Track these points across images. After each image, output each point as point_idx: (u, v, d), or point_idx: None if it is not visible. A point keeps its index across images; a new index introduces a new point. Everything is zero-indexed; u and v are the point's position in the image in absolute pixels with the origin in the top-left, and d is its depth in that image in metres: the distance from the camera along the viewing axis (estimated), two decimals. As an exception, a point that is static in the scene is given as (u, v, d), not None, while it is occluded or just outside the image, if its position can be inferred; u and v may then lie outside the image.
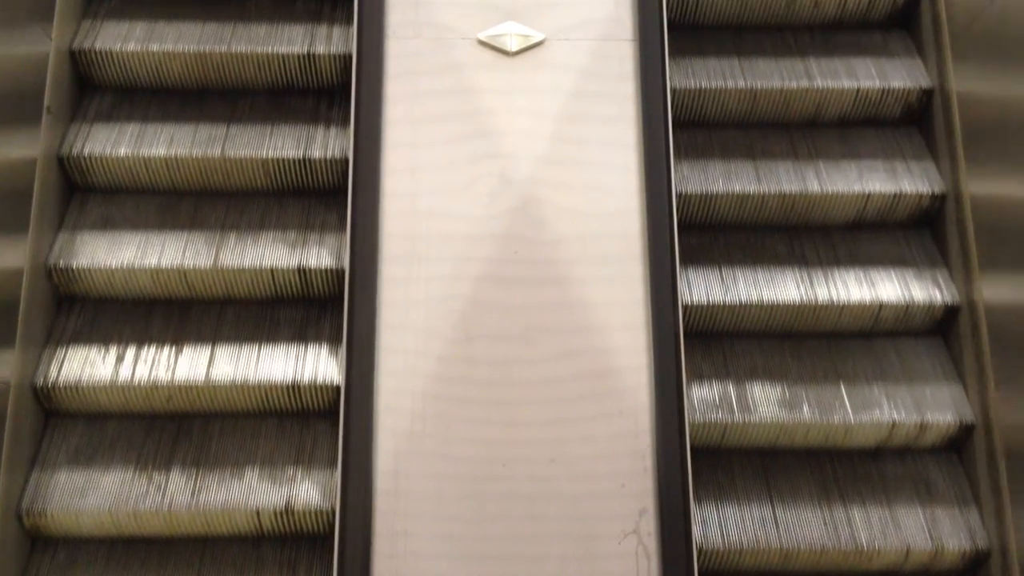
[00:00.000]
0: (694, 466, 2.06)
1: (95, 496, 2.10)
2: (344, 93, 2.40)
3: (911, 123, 2.54)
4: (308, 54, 2.43)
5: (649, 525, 1.97)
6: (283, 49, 2.43)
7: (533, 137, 2.21)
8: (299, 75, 2.47)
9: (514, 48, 2.27)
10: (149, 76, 2.47)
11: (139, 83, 2.48)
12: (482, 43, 2.28)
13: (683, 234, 2.35)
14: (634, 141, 2.22)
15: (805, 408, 2.22)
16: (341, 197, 2.32)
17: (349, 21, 2.44)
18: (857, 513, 2.17)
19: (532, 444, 2.02)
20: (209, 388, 2.19)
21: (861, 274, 2.35)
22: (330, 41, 2.45)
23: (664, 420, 2.02)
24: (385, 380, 2.03)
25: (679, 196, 2.36)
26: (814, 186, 2.39)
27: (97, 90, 2.47)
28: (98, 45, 2.41)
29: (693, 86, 2.47)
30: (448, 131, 2.22)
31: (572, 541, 1.97)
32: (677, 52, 2.51)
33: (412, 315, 2.08)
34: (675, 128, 2.31)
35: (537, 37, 2.28)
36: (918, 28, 2.56)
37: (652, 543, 1.96)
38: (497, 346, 2.08)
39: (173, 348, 2.23)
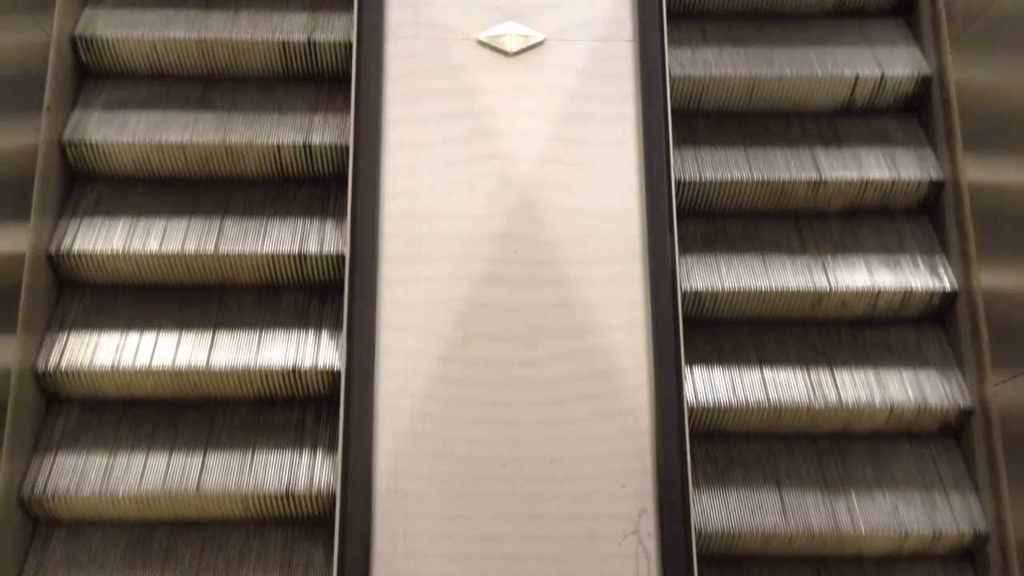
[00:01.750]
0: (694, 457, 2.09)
1: (96, 480, 2.12)
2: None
3: (910, 111, 2.55)
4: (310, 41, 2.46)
5: (649, 525, 1.97)
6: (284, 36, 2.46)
7: (533, 137, 2.21)
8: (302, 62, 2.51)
9: (514, 48, 2.27)
10: (150, 66, 2.49)
11: (140, 72, 2.50)
12: (482, 43, 2.28)
13: (683, 223, 2.38)
14: (634, 141, 2.22)
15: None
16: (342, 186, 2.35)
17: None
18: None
19: (532, 444, 2.02)
20: (210, 374, 2.20)
21: (859, 261, 2.36)
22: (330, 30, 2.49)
23: (664, 420, 2.02)
24: (385, 380, 2.03)
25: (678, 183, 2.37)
26: (812, 173, 2.41)
27: (99, 80, 2.49)
28: (99, 34, 2.42)
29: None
30: (448, 131, 2.22)
31: (572, 541, 1.97)
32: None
33: (412, 315, 2.08)
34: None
35: (537, 37, 2.28)
36: (916, 16, 2.57)
37: (652, 544, 1.96)
38: (497, 346, 2.08)
39: (175, 334, 2.25)
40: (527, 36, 2.28)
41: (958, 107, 2.34)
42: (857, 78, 2.47)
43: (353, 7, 2.31)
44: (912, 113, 2.54)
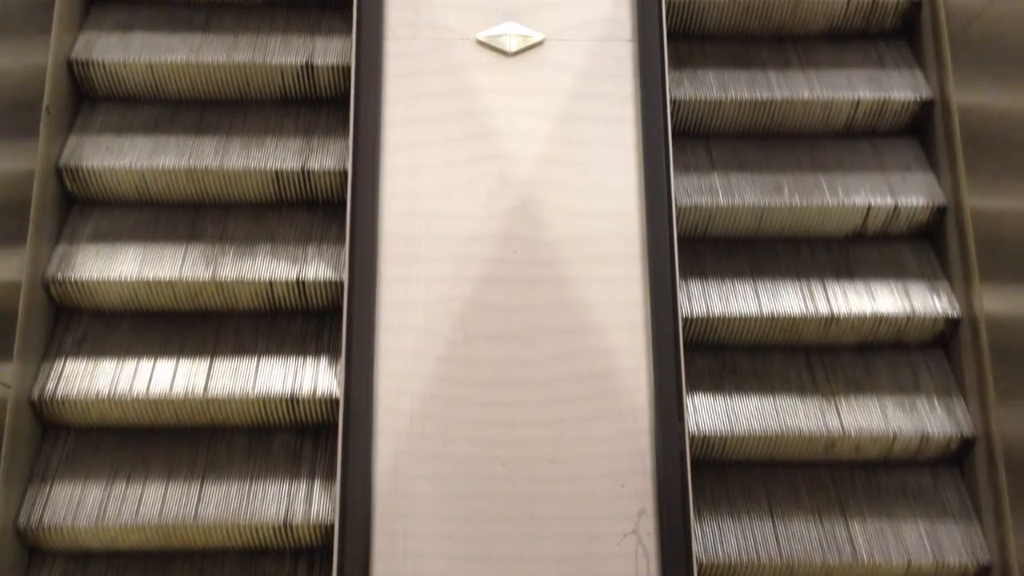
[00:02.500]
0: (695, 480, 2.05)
1: (92, 508, 2.09)
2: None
3: (911, 132, 2.52)
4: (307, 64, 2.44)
5: (648, 525, 1.97)
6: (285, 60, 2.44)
7: (532, 137, 2.21)
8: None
9: (513, 48, 2.27)
10: (148, 88, 2.47)
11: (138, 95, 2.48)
12: (481, 43, 2.28)
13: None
14: (633, 141, 2.22)
15: (804, 418, 2.21)
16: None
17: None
18: (857, 527, 2.15)
19: (531, 444, 2.02)
20: (207, 401, 2.18)
21: (861, 286, 2.33)
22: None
23: (663, 420, 2.02)
24: (384, 381, 2.03)
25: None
26: (816, 198, 2.38)
27: (96, 102, 2.47)
28: (96, 56, 2.40)
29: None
30: (447, 131, 2.22)
31: (571, 541, 1.97)
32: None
33: (411, 316, 2.08)
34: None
35: (536, 37, 2.28)
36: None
37: (651, 543, 1.96)
38: (496, 346, 2.08)
39: (172, 361, 2.23)
40: (526, 36, 2.28)
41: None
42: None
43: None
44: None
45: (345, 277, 2.11)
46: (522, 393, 2.05)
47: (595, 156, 2.21)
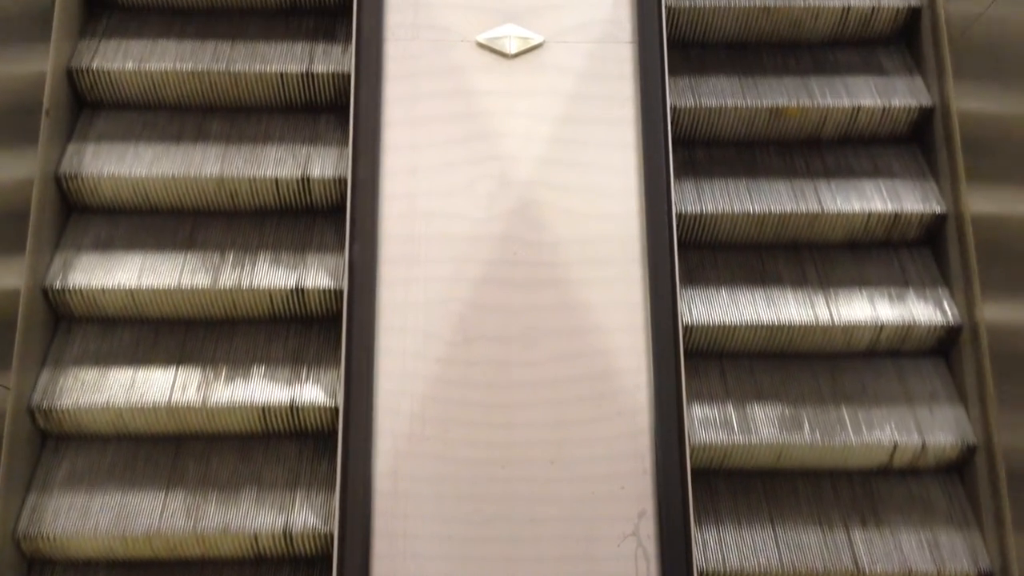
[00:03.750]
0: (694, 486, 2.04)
1: (91, 519, 2.09)
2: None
3: (913, 140, 2.52)
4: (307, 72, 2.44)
5: (648, 527, 1.97)
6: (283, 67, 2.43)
7: (532, 139, 2.21)
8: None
9: (513, 50, 2.27)
10: (147, 95, 2.46)
11: (134, 101, 2.47)
12: (481, 45, 2.28)
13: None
14: (633, 143, 2.22)
15: (806, 429, 2.21)
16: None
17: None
18: (858, 535, 2.15)
19: (531, 446, 2.02)
20: (207, 409, 2.18)
21: (861, 294, 2.33)
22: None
23: (663, 421, 2.02)
24: (384, 382, 2.03)
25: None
26: (814, 206, 2.38)
27: (95, 109, 2.46)
28: (96, 64, 2.40)
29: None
30: (447, 133, 2.22)
31: (571, 543, 1.97)
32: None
33: (411, 317, 2.08)
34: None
35: (536, 39, 2.28)
36: (918, 46, 2.52)
37: (651, 545, 1.96)
38: (496, 348, 2.08)
39: (171, 369, 2.22)
40: (526, 38, 2.28)
41: (960, 136, 2.28)
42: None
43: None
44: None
45: (345, 278, 2.10)
46: (522, 394, 2.05)
47: (595, 158, 2.21)
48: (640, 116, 2.23)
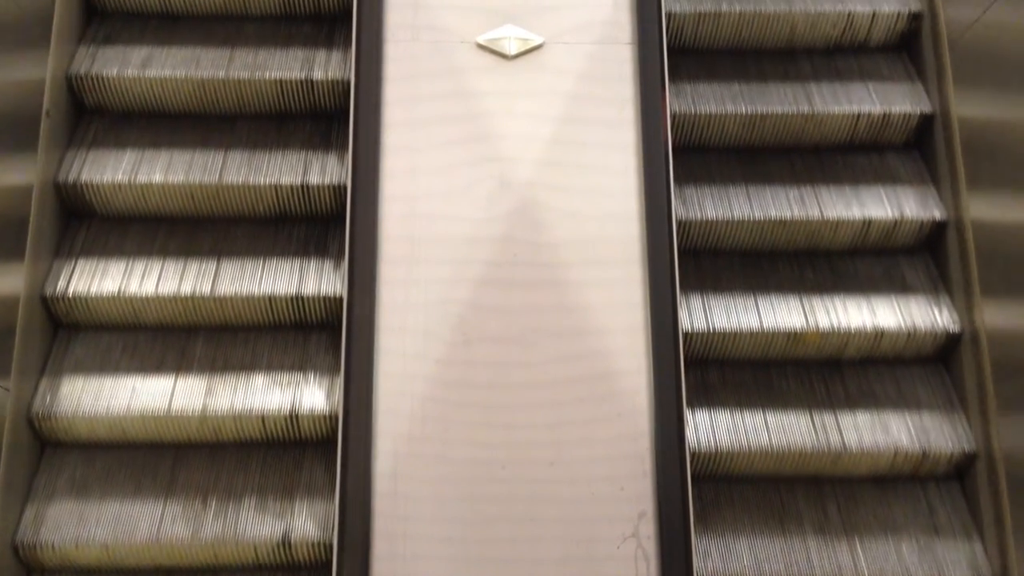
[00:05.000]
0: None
1: (90, 527, 2.08)
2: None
3: (913, 147, 2.51)
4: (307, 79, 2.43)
5: (648, 528, 1.97)
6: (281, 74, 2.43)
7: (532, 140, 2.21)
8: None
9: (513, 51, 2.27)
10: (145, 102, 2.46)
11: (136, 109, 2.47)
12: (481, 46, 2.28)
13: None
14: (633, 144, 2.22)
15: (805, 435, 2.20)
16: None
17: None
18: (858, 542, 2.15)
19: (531, 447, 2.02)
20: (207, 417, 2.18)
21: (861, 300, 2.33)
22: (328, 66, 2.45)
23: (663, 423, 2.02)
24: (384, 383, 2.03)
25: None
26: (814, 212, 2.38)
27: (94, 116, 2.46)
28: (95, 70, 2.40)
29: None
30: (447, 134, 2.22)
31: (571, 544, 1.97)
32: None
33: (411, 318, 2.08)
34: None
35: (536, 40, 2.28)
36: (919, 52, 2.52)
37: (651, 546, 1.96)
38: (496, 349, 2.08)
39: (170, 376, 2.21)
40: (526, 39, 2.28)
41: (960, 142, 2.27)
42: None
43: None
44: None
45: (345, 279, 2.10)
46: (522, 395, 2.05)
47: (595, 159, 2.21)
48: (640, 117, 2.23)
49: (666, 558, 1.95)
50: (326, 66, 2.44)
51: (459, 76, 2.26)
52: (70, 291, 2.24)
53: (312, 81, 2.42)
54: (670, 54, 2.31)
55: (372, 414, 2.01)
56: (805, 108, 2.45)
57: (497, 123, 2.23)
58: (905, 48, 2.60)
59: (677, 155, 2.25)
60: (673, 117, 2.41)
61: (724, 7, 2.52)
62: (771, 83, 2.52)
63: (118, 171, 2.34)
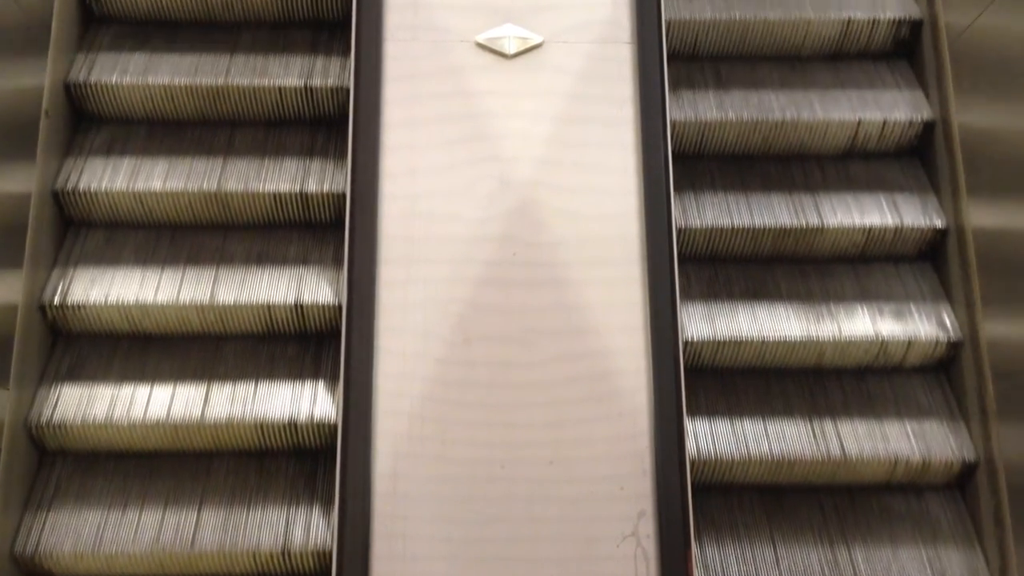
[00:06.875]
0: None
1: (89, 536, 2.08)
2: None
3: (913, 154, 2.51)
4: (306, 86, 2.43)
5: (648, 527, 1.97)
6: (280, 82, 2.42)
7: (532, 139, 2.21)
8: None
9: (512, 50, 2.27)
10: (145, 109, 2.45)
11: (135, 116, 2.47)
12: (480, 45, 2.28)
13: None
14: (633, 143, 2.22)
15: (805, 444, 2.20)
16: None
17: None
18: (859, 551, 2.14)
19: (531, 446, 2.02)
20: (205, 426, 2.18)
21: (862, 309, 2.32)
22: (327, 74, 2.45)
23: (663, 422, 2.02)
24: (383, 382, 2.03)
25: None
26: (814, 218, 2.38)
27: (93, 124, 2.45)
28: (93, 78, 2.40)
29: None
30: (447, 133, 2.22)
31: (571, 543, 1.97)
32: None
33: (411, 317, 2.08)
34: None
35: (535, 39, 2.28)
36: (919, 59, 2.51)
37: (651, 545, 1.96)
38: (496, 348, 2.08)
39: (169, 385, 2.21)
40: (526, 38, 2.28)
41: (961, 150, 2.26)
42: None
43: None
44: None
45: (344, 279, 2.10)
46: (521, 395, 2.05)
47: (594, 158, 2.21)
48: (639, 116, 2.23)
49: (666, 557, 1.95)
50: (325, 73, 2.44)
51: (459, 75, 2.26)
52: (68, 299, 2.23)
53: (311, 88, 2.43)
54: (671, 59, 2.30)
55: (372, 414, 2.01)
56: (806, 116, 2.45)
57: (497, 122, 2.23)
58: (905, 55, 2.59)
59: (676, 162, 2.24)
60: (673, 124, 2.41)
61: (724, 15, 2.52)
62: (769, 91, 2.52)
63: (117, 179, 2.34)
